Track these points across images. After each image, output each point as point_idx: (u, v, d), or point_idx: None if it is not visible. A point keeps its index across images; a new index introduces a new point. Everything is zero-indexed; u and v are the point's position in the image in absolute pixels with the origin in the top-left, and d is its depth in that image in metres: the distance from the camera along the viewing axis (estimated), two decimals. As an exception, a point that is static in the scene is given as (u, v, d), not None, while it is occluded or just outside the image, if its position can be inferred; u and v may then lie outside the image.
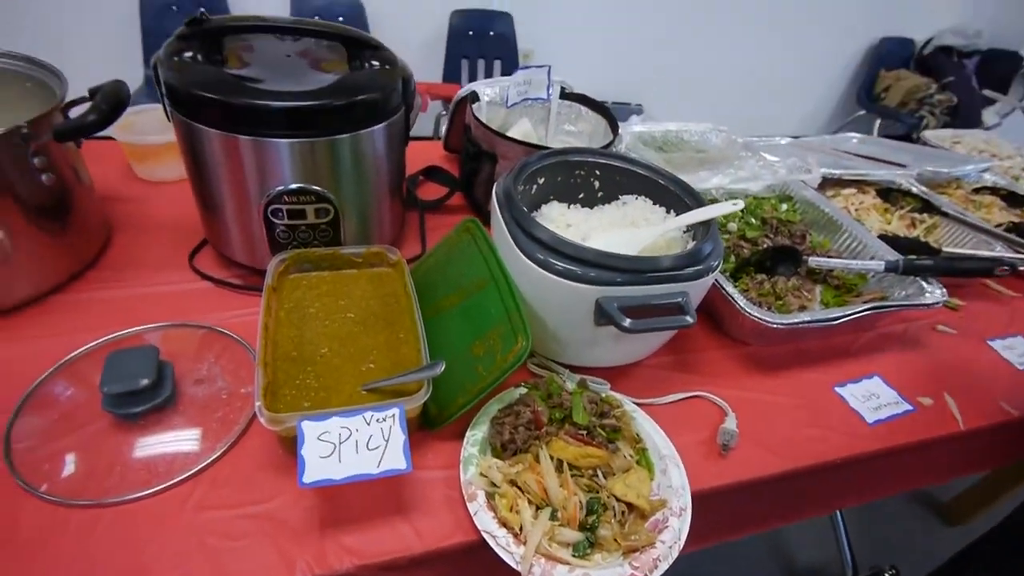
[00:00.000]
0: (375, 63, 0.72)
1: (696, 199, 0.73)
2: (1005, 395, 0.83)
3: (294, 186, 0.67)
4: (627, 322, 0.59)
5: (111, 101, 0.64)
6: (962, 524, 1.65)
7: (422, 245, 0.92)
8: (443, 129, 2.49)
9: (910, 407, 0.78)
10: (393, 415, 0.54)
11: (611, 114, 1.00)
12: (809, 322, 0.75)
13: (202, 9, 0.67)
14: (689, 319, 0.61)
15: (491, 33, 2.56)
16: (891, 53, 3.46)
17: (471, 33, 2.53)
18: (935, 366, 0.87)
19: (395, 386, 0.60)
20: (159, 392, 0.58)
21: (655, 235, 0.71)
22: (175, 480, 0.54)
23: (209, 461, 0.56)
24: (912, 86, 3.36)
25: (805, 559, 1.50)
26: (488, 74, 2.66)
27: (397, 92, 0.71)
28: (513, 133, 1.02)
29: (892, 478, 0.82)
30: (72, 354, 0.63)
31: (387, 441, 0.53)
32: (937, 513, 1.72)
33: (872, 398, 0.79)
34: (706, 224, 0.69)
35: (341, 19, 2.35)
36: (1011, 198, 1.24)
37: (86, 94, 0.69)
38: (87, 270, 0.76)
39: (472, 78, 2.64)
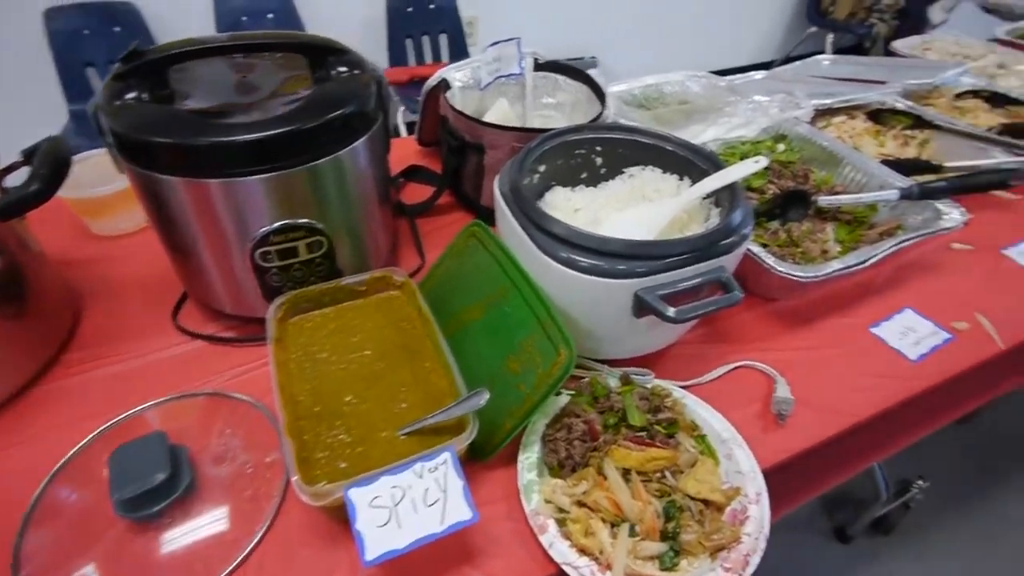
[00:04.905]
0: (342, 69, 0.65)
1: (711, 161, 0.68)
2: (1034, 304, 0.82)
3: (280, 223, 0.60)
4: (672, 312, 0.55)
5: (51, 164, 0.56)
6: (967, 423, 1.70)
7: (420, 254, 0.85)
8: (399, 118, 2.38)
9: (948, 335, 0.77)
10: (445, 460, 0.50)
11: (593, 81, 0.93)
12: (841, 270, 0.72)
13: (136, 42, 0.58)
14: (738, 295, 0.57)
15: (431, 6, 2.42)
16: (833, -37, 3.40)
17: (410, 9, 2.39)
18: (960, 287, 0.85)
19: (436, 424, 0.55)
20: (178, 482, 0.52)
21: (677, 208, 0.66)
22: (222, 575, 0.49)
23: (251, 546, 0.51)
24: (858, -6, 3.32)
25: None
26: (435, 50, 2.53)
27: (373, 98, 0.64)
28: (491, 115, 0.95)
29: (944, 409, 0.82)
30: (66, 456, 0.57)
31: (445, 492, 0.48)
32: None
33: (909, 333, 0.77)
34: (729, 188, 0.64)
35: (271, 16, 2.20)
36: (993, 99, 1.22)
37: (19, 158, 0.60)
38: (60, 354, 0.68)
39: (419, 57, 2.51)
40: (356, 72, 0.65)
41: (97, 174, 0.84)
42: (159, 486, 0.50)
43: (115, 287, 0.78)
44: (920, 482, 1.38)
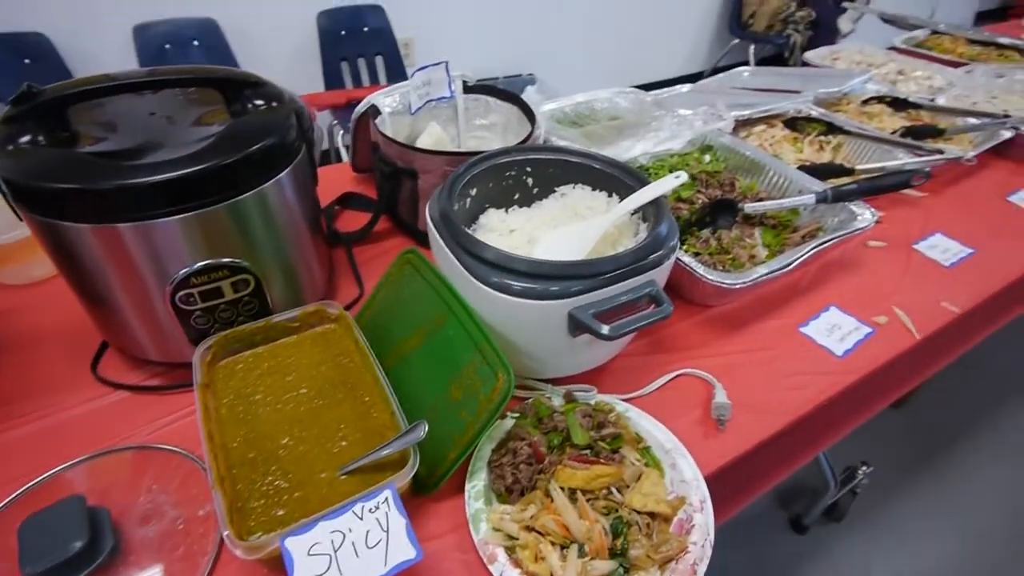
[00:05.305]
0: (259, 102, 0.63)
1: (636, 178, 0.70)
2: (943, 294, 0.88)
3: (200, 264, 0.58)
4: (605, 329, 0.55)
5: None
6: (904, 407, 1.80)
7: (359, 284, 0.84)
8: (339, 141, 2.35)
9: (870, 330, 0.81)
10: (386, 499, 0.48)
11: (523, 102, 0.95)
12: (767, 274, 0.75)
13: (28, 83, 0.54)
14: (668, 307, 0.58)
15: (365, 29, 2.41)
16: (750, -21, 3.61)
17: (344, 33, 2.37)
18: (878, 282, 0.91)
19: (378, 460, 0.53)
20: (99, 548, 0.48)
21: (606, 225, 0.67)
22: (149, 647, 0.46)
23: (184, 610, 0.48)
24: (775, 8, 3.53)
25: (789, 478, 1.58)
26: (372, 72, 2.51)
27: (293, 130, 0.63)
28: (424, 140, 0.95)
29: (870, 400, 0.86)
30: (-27, 530, 0.52)
31: (387, 531, 0.47)
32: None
33: (835, 330, 0.81)
34: (654, 203, 0.66)
35: (196, 43, 2.13)
36: (895, 103, 1.32)
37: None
38: (-34, 416, 0.63)
39: (356, 80, 2.49)
40: (274, 104, 0.64)
41: (2, 221, 0.79)
42: (76, 555, 0.46)
43: (27, 339, 0.73)
44: (864, 467, 1.44)
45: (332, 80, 2.43)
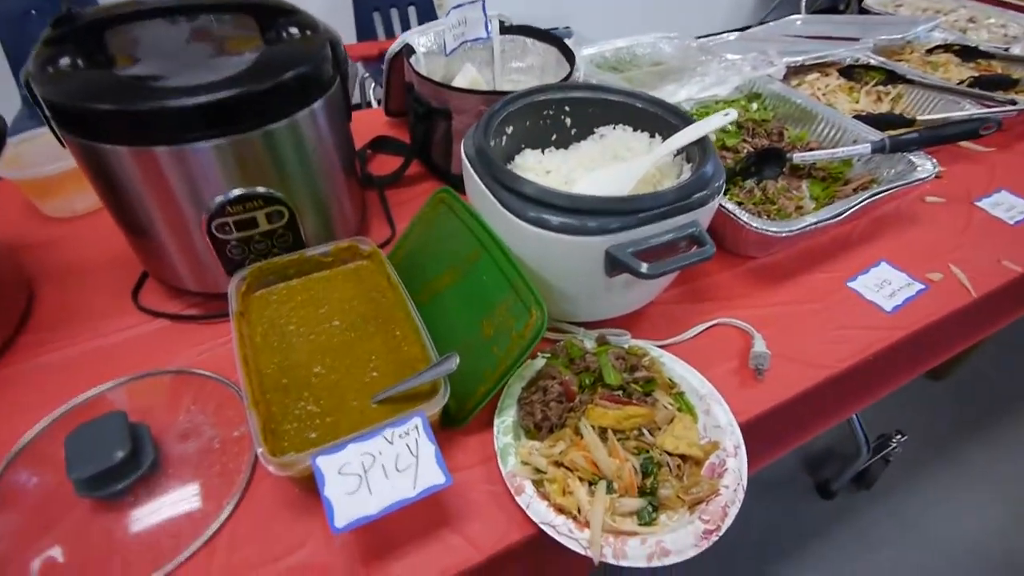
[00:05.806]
0: (293, 30, 0.62)
1: (681, 117, 0.67)
2: (1005, 253, 0.82)
3: (236, 193, 0.58)
4: (644, 267, 0.53)
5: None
6: (946, 378, 1.73)
7: (390, 226, 0.83)
8: (371, 94, 2.32)
9: (922, 286, 0.77)
10: (416, 426, 0.48)
11: (562, 42, 0.91)
12: (815, 224, 0.71)
13: (68, 6, 0.54)
14: (711, 248, 0.56)
15: (398, -23, 2.35)
16: (807, -75, 3.36)
17: (376, -19, 2.32)
18: (934, 238, 0.85)
19: (409, 391, 0.54)
20: (140, 460, 0.50)
21: (648, 165, 0.64)
22: (188, 552, 0.47)
23: (220, 522, 0.50)
24: (832, -44, 3.30)
25: (819, 443, 1.55)
26: (404, 23, 2.46)
27: (328, 60, 0.61)
28: (459, 81, 0.92)
29: (917, 359, 0.82)
30: (23, 440, 0.54)
31: (416, 457, 0.47)
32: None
33: (885, 285, 0.77)
34: (700, 143, 0.63)
35: (230, -9, 2.10)
36: (964, 52, 1.22)
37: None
38: (16, 336, 0.65)
39: (388, 31, 2.44)
40: (309, 32, 0.62)
41: (46, 153, 0.80)
42: (120, 464, 0.48)
43: (71, 269, 0.75)
44: (899, 436, 1.40)
45: (364, 32, 2.38)
